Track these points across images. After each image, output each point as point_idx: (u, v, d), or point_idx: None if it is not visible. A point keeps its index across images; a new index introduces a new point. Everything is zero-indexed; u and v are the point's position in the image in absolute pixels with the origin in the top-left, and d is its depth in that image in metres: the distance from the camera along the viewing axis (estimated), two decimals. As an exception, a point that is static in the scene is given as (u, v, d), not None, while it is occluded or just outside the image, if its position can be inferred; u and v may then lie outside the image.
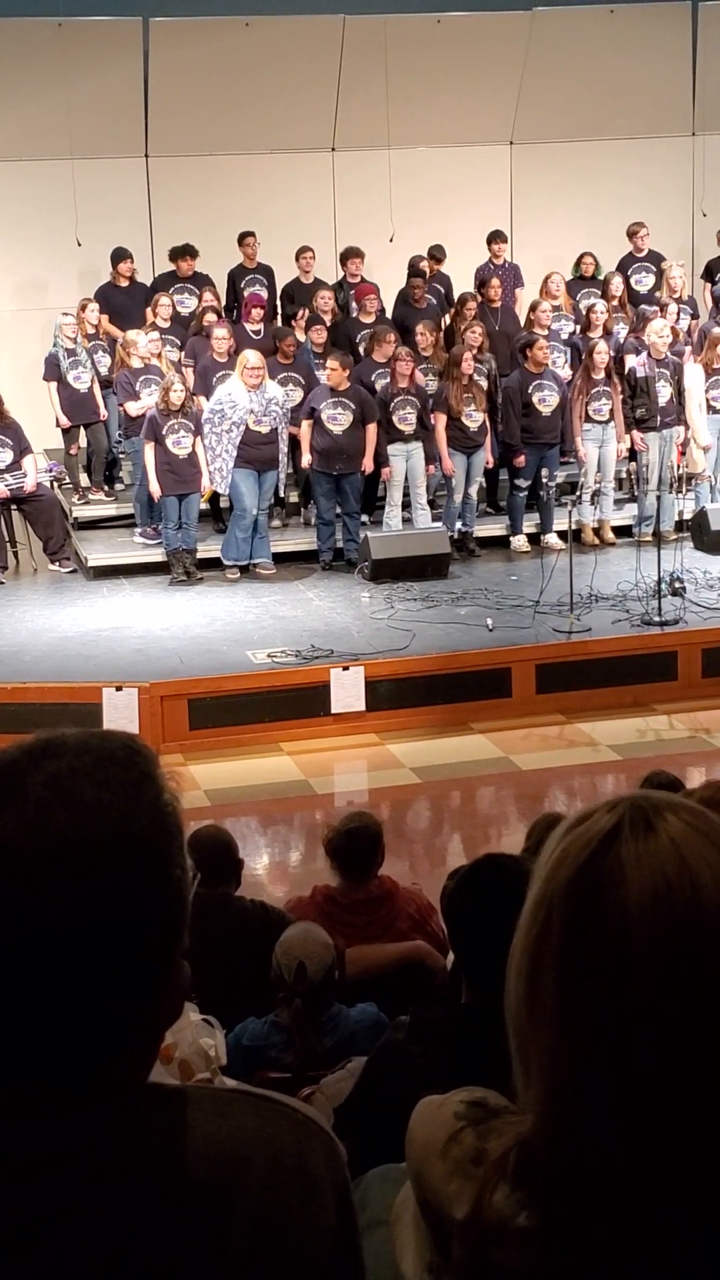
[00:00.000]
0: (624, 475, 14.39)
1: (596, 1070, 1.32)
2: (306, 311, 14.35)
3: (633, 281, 15.66)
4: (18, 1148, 1.33)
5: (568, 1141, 1.34)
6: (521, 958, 1.39)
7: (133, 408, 13.40)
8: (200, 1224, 1.32)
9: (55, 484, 14.11)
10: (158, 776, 1.41)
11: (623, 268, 15.73)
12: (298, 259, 15.04)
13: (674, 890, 1.32)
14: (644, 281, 15.60)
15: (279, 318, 14.99)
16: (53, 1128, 1.34)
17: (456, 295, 15.04)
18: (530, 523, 13.72)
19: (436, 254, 15.46)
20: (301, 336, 14.16)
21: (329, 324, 14.31)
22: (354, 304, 14.73)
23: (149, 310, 14.42)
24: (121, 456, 14.52)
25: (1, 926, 1.33)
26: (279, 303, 15.21)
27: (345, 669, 10.75)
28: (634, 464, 13.87)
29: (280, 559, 13.25)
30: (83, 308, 14.29)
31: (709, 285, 15.95)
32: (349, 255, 15.10)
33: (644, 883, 1.32)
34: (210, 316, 14.09)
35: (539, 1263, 1.36)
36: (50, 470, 14.14)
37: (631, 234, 15.77)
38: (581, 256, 15.60)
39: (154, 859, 1.37)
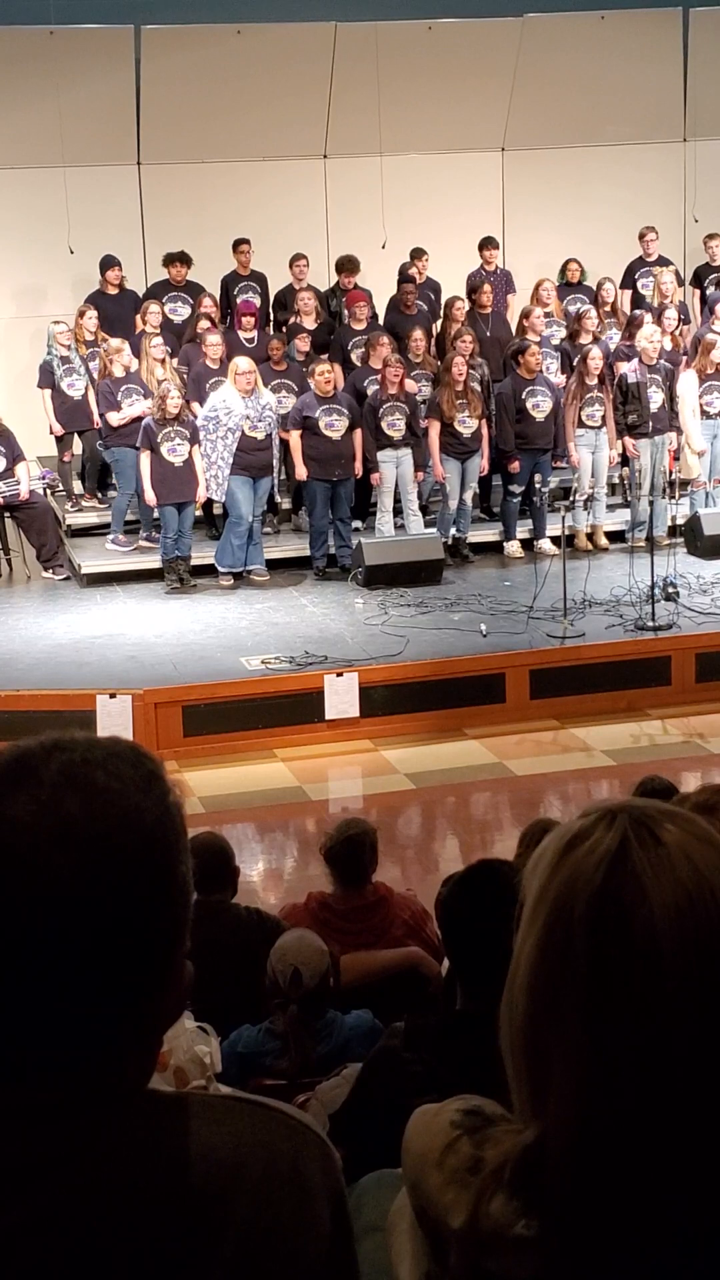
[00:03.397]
0: (617, 480, 14.41)
1: (627, 1080, 1.32)
2: (293, 319, 14.38)
3: (639, 285, 15.69)
4: (16, 1151, 1.33)
5: (589, 1149, 1.34)
6: (534, 982, 1.38)
7: (114, 418, 13.40)
8: (195, 1230, 1.32)
9: (48, 491, 14.10)
10: (165, 777, 1.42)
11: (630, 272, 15.76)
12: (291, 266, 15.04)
13: (695, 901, 1.33)
14: (650, 285, 15.62)
15: (271, 324, 14.99)
16: (52, 1132, 1.34)
17: (444, 300, 15.05)
18: (524, 528, 13.73)
19: (416, 255, 15.46)
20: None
21: (313, 326, 14.32)
22: (345, 311, 14.74)
23: (139, 318, 14.41)
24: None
25: (8, 906, 1.33)
26: (271, 310, 15.21)
27: (339, 675, 10.76)
28: (626, 469, 13.89)
29: (273, 565, 13.25)
30: (81, 314, 14.27)
31: (698, 291, 15.98)
32: (344, 269, 15.07)
33: (665, 896, 1.33)
34: (204, 323, 14.09)
35: (536, 1271, 1.36)
36: (43, 477, 14.13)
37: (641, 237, 15.81)
38: (567, 263, 15.63)
39: (162, 850, 1.38)
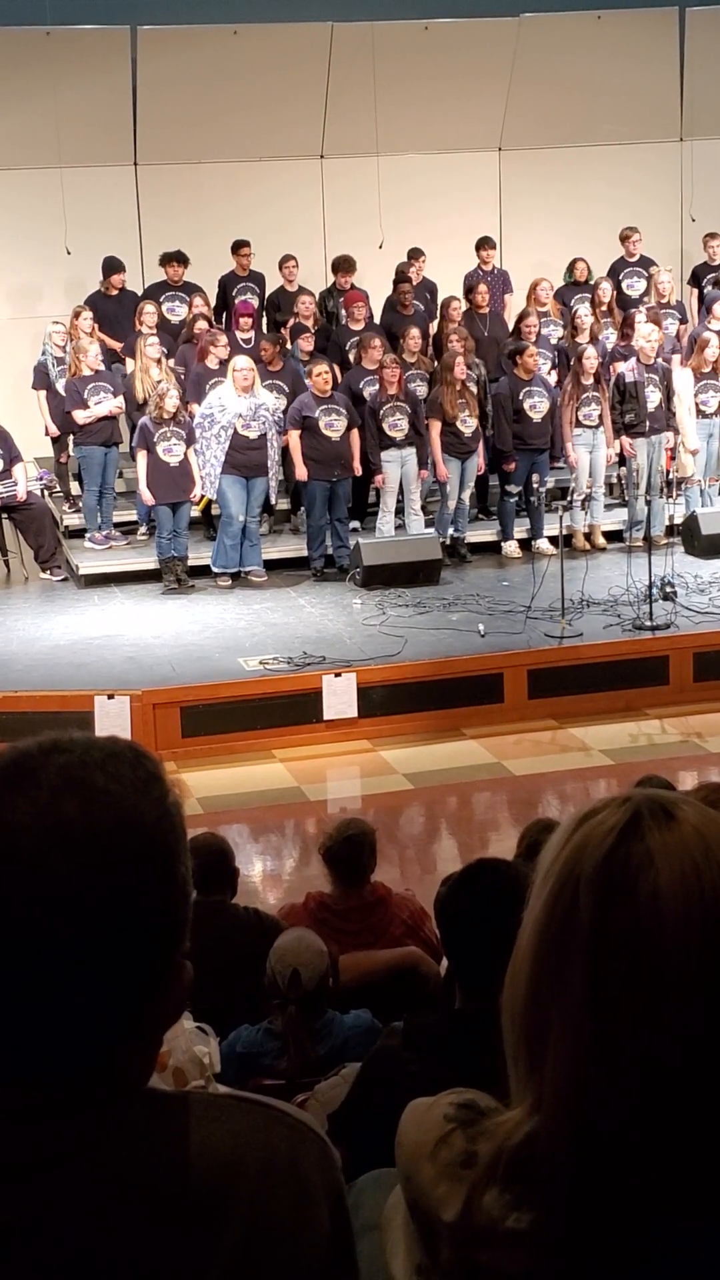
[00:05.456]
0: (614, 480, 14.42)
1: (625, 1056, 1.33)
2: (294, 319, 14.38)
3: (624, 286, 15.69)
4: (15, 1150, 1.33)
5: (584, 1134, 1.34)
6: (538, 947, 1.39)
7: (80, 416, 13.41)
8: (194, 1228, 1.32)
9: (45, 492, 14.11)
10: (164, 778, 1.43)
11: (614, 272, 15.76)
12: (281, 268, 15.04)
13: (703, 876, 1.34)
14: (635, 286, 15.63)
15: (265, 325, 14.99)
16: (52, 1131, 1.34)
17: (441, 300, 15.06)
18: (521, 528, 13.73)
19: (413, 255, 15.47)
20: (289, 344, 14.16)
21: (313, 330, 14.32)
22: (343, 311, 14.75)
23: (136, 319, 14.40)
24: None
25: (8, 908, 1.33)
26: (265, 311, 15.20)
27: (337, 675, 10.76)
28: (624, 469, 13.90)
29: (271, 566, 13.26)
30: (76, 315, 14.27)
31: (695, 290, 15.98)
32: (340, 268, 15.08)
33: (673, 868, 1.34)
34: (201, 324, 14.08)
35: (528, 1265, 1.36)
36: (40, 478, 14.14)
37: (624, 238, 15.80)
38: (574, 262, 15.63)
39: (161, 850, 1.38)
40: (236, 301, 14.78)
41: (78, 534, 14.14)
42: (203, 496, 13.02)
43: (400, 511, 13.46)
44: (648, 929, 1.33)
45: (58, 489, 14.49)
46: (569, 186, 16.94)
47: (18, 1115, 1.35)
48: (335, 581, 13.05)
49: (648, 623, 11.52)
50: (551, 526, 12.96)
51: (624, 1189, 1.33)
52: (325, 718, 10.72)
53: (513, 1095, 1.43)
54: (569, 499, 13.10)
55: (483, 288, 14.80)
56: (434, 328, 14.87)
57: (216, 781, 10.13)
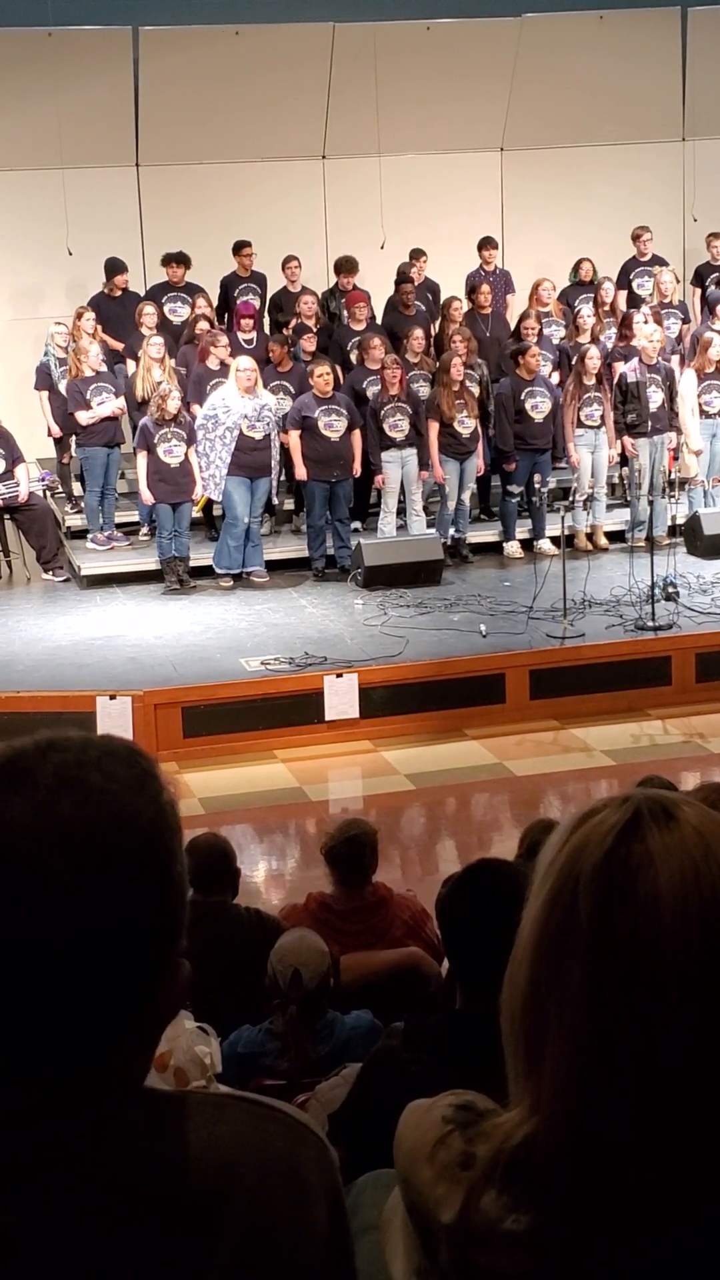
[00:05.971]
0: (616, 480, 14.42)
1: (625, 1056, 1.32)
2: (296, 320, 14.38)
3: (635, 286, 15.69)
4: (13, 1150, 1.33)
5: (583, 1132, 1.34)
6: (537, 946, 1.39)
7: (83, 417, 13.43)
8: (192, 1229, 1.32)
9: (48, 493, 14.11)
10: (159, 776, 1.43)
11: (625, 272, 15.76)
12: (283, 268, 15.04)
13: (702, 876, 1.34)
14: (645, 286, 15.62)
15: (268, 325, 14.99)
16: (49, 1131, 1.34)
17: (442, 300, 15.06)
18: (523, 529, 13.73)
19: (414, 256, 15.46)
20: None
21: (314, 329, 14.33)
22: (345, 312, 14.75)
23: (137, 320, 14.38)
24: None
25: (4, 908, 1.33)
26: (267, 311, 15.20)
27: (339, 676, 10.76)
28: (626, 469, 13.89)
29: (273, 566, 13.26)
30: (79, 315, 14.26)
31: (698, 290, 15.98)
32: (342, 269, 15.08)
33: (672, 868, 1.34)
34: (202, 324, 14.08)
35: (527, 1266, 1.36)
36: (43, 479, 14.14)
37: (635, 238, 15.80)
38: (579, 262, 15.63)
39: (157, 849, 1.39)
40: (238, 302, 14.77)
41: (80, 534, 14.15)
42: (203, 496, 13.03)
43: (402, 512, 13.46)
44: (647, 929, 1.33)
45: (60, 490, 14.49)
46: (571, 187, 16.94)
47: (17, 1115, 1.35)
48: (337, 582, 13.05)
49: (650, 623, 11.51)
50: (553, 527, 12.95)
51: (623, 1189, 1.33)
52: (327, 718, 10.72)
53: (511, 1096, 1.43)
54: (571, 499, 13.10)
55: (485, 288, 14.80)
56: (436, 328, 14.86)
57: (218, 782, 10.13)
